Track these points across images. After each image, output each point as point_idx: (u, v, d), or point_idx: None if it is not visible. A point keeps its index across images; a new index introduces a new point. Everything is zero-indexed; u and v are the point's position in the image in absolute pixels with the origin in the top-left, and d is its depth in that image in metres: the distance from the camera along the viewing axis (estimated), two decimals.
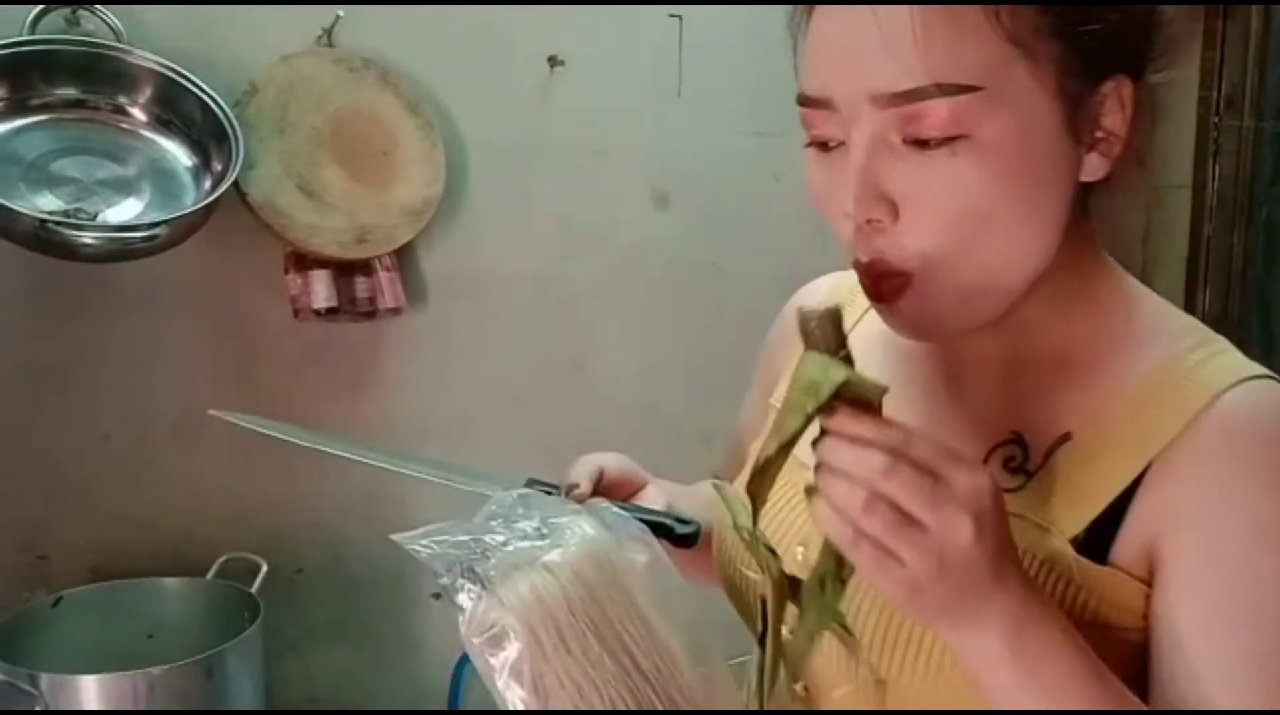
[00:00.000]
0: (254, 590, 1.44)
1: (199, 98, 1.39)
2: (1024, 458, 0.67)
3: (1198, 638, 0.60)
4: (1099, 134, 0.63)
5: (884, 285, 0.64)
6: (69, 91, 1.37)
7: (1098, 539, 0.63)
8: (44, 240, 1.25)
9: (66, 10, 1.36)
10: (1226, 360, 0.65)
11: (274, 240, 1.49)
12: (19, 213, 1.23)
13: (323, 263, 1.52)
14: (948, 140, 0.59)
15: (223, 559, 1.49)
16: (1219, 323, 2.63)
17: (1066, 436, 0.65)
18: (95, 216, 1.31)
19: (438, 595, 1.72)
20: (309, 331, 1.57)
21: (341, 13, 1.51)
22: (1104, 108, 0.62)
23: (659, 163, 1.79)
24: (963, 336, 0.69)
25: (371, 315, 1.58)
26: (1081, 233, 0.67)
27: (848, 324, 0.72)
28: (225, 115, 1.38)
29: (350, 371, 1.64)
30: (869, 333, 0.75)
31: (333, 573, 1.65)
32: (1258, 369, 0.65)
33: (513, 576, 0.67)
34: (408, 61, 1.59)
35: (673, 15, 1.77)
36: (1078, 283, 0.68)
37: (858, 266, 0.65)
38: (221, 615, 1.44)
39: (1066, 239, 0.65)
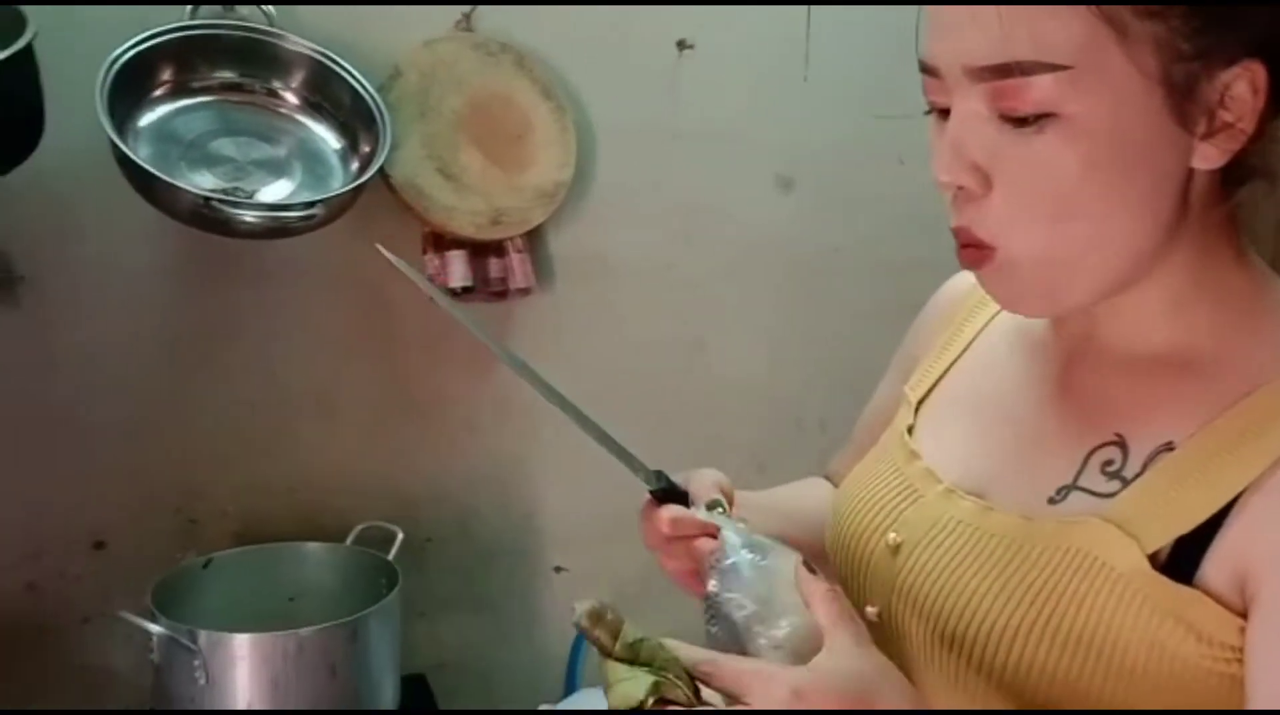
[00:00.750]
0: (390, 557, 1.49)
1: (348, 82, 1.44)
2: (1123, 463, 0.65)
3: (1269, 684, 0.57)
4: (1220, 122, 0.60)
5: (968, 254, 0.65)
6: (226, 75, 1.42)
7: (1183, 558, 0.61)
8: (205, 217, 1.31)
9: None
10: None
11: (413, 220, 1.54)
12: (183, 189, 1.29)
13: (459, 243, 1.56)
14: (1037, 117, 0.59)
15: (361, 526, 1.55)
16: None
17: (1169, 446, 0.63)
18: (252, 195, 1.37)
19: (559, 569, 1.77)
20: (443, 311, 1.60)
21: None
22: (1227, 94, 0.59)
23: (784, 147, 1.79)
24: (1076, 322, 0.70)
25: (503, 295, 1.62)
26: (1209, 223, 0.64)
27: (985, 316, 0.81)
28: (373, 99, 1.43)
29: (480, 349, 1.66)
30: (1002, 326, 0.79)
31: (461, 543, 1.70)
32: None
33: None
34: (542, 46, 1.62)
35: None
36: (1206, 279, 0.65)
37: (953, 232, 0.66)
38: (359, 580, 1.49)
39: (1189, 229, 0.63)
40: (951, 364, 0.83)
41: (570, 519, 1.75)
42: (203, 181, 1.37)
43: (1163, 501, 0.62)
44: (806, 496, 0.94)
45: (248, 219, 1.30)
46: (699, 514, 0.77)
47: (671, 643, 0.63)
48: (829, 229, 1.84)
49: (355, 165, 1.45)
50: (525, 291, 1.63)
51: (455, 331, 1.64)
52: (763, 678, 0.59)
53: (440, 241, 1.56)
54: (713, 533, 0.73)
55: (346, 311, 1.59)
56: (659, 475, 0.81)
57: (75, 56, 1.33)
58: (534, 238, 1.65)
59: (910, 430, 0.81)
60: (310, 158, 1.46)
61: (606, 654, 0.63)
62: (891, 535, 0.74)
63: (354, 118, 1.45)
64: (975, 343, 0.82)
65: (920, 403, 0.83)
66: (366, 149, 1.44)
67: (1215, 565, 0.60)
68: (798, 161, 1.81)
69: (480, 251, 1.59)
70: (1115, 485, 0.65)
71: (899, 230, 1.79)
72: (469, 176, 1.54)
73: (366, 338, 1.61)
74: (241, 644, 1.29)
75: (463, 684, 1.70)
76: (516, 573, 1.74)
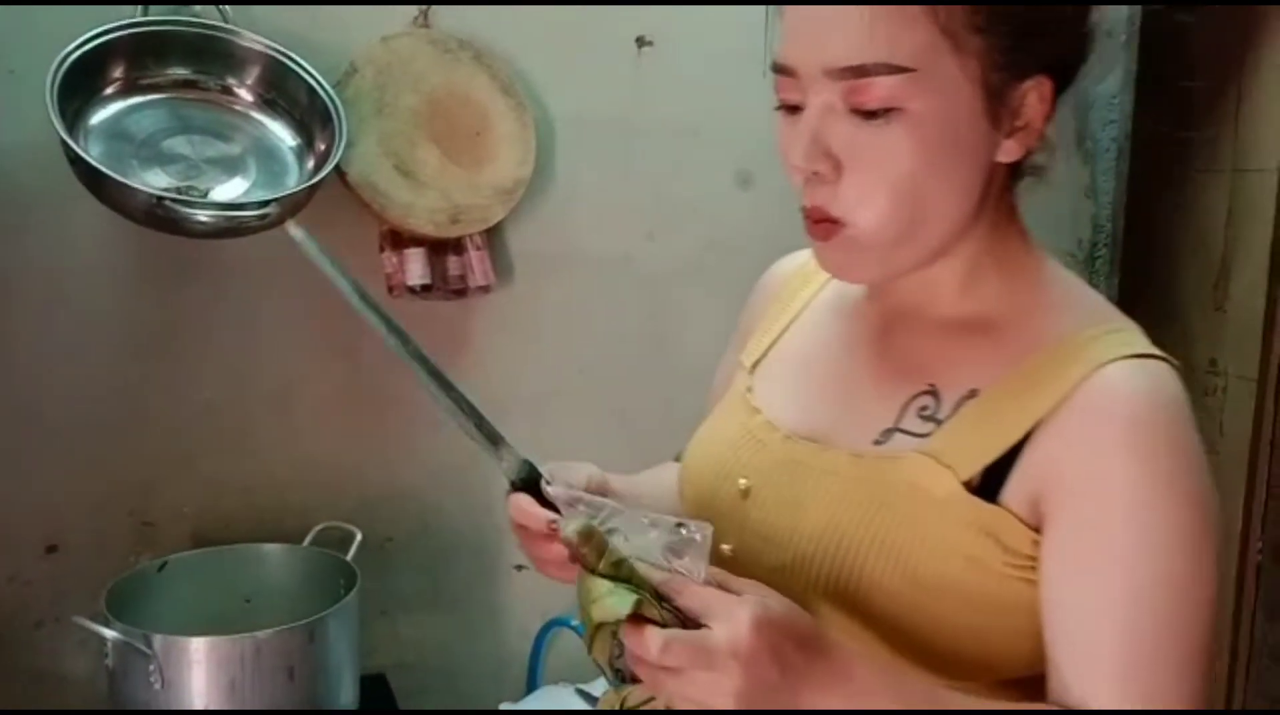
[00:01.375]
0: (349, 558, 1.48)
1: (304, 79, 1.42)
2: (936, 408, 0.77)
3: (1078, 594, 0.70)
4: (1018, 123, 0.73)
5: (818, 229, 0.74)
6: (180, 71, 1.41)
7: (990, 484, 0.73)
8: (158, 217, 1.29)
9: None
10: (1120, 338, 0.74)
11: (370, 218, 1.53)
12: (136, 189, 1.27)
13: (417, 241, 1.55)
14: (885, 111, 0.69)
15: (319, 527, 1.54)
16: None
17: (973, 393, 0.76)
18: (206, 193, 1.35)
19: (520, 566, 1.76)
20: (402, 307, 1.60)
21: None
22: (1024, 101, 0.72)
23: (743, 143, 1.79)
24: (890, 290, 0.82)
25: (462, 292, 1.61)
26: (1002, 209, 0.78)
27: (810, 291, 0.93)
28: (329, 96, 1.42)
29: (440, 346, 1.65)
30: (824, 298, 0.92)
31: (421, 542, 1.70)
32: (1148, 349, 0.74)
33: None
34: (501, 43, 1.61)
35: None
36: (995, 253, 0.79)
37: (803, 211, 0.75)
38: (317, 581, 1.49)
39: (985, 212, 0.76)
40: (781, 333, 0.93)
41: None
42: (156, 180, 1.36)
43: (971, 437, 0.74)
44: (664, 480, 1.00)
45: (201, 218, 1.29)
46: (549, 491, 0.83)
47: (643, 566, 0.67)
48: (789, 225, 1.82)
49: (311, 163, 1.44)
50: (485, 289, 1.62)
51: (412, 328, 1.62)
52: (726, 602, 0.64)
53: (398, 239, 1.55)
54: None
55: (305, 309, 1.58)
56: (525, 465, 0.90)
57: (26, 54, 1.32)
58: (494, 234, 1.64)
59: (749, 390, 0.90)
60: (265, 155, 1.44)
61: (591, 570, 0.66)
62: (741, 480, 0.83)
63: (310, 115, 1.44)
64: (801, 314, 0.93)
65: (755, 367, 0.93)
66: (322, 146, 1.43)
67: (1015, 488, 0.72)
68: (757, 157, 1.81)
69: (439, 249, 1.58)
70: (930, 426, 0.77)
71: None
72: (427, 173, 1.53)
73: (326, 335, 1.60)
74: (197, 647, 1.28)
75: (424, 683, 1.70)
76: (478, 571, 1.74)
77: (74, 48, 1.30)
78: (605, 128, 1.71)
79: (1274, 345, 2.66)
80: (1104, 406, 0.71)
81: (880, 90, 0.69)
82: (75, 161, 1.26)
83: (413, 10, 1.54)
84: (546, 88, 1.66)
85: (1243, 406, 2.74)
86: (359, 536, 1.52)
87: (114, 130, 1.36)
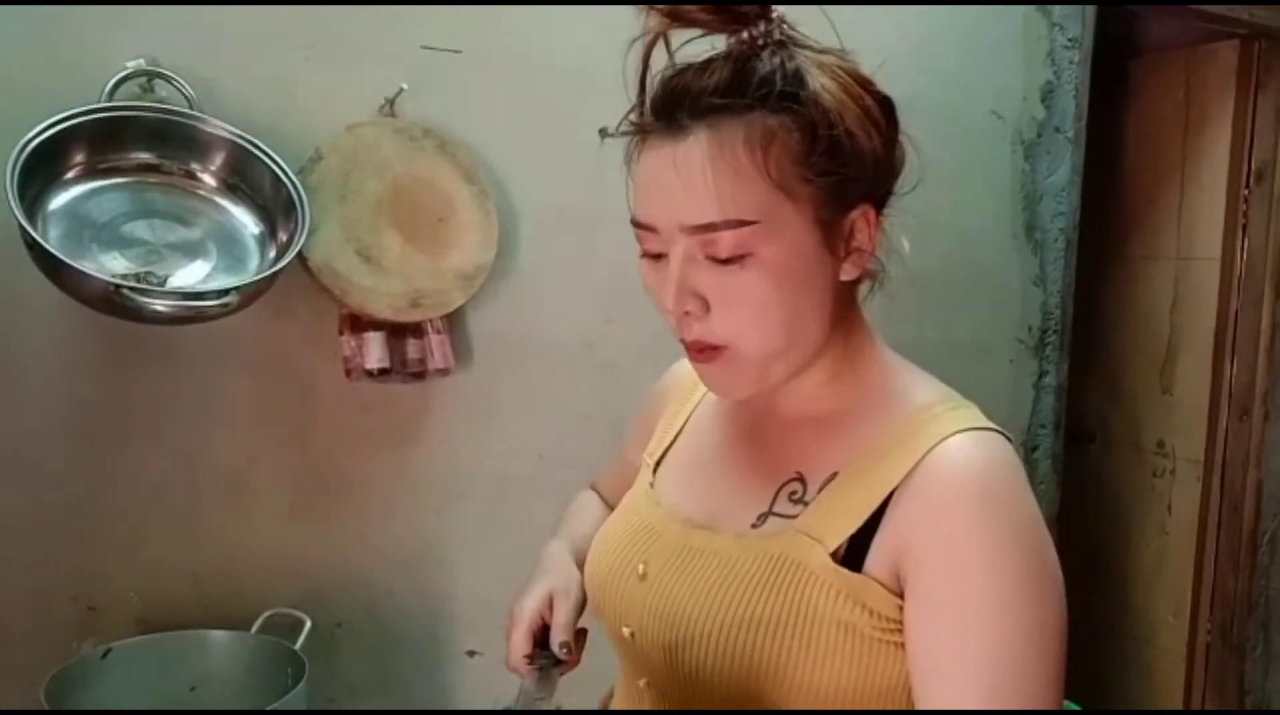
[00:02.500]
0: (298, 646, 1.46)
1: (268, 165, 1.43)
2: (804, 491, 0.86)
3: (939, 655, 0.77)
4: (852, 246, 0.84)
5: (701, 356, 0.84)
6: (143, 156, 1.40)
7: (855, 554, 0.81)
8: (115, 304, 1.28)
9: (143, 78, 1.41)
10: (959, 415, 0.84)
11: (330, 302, 1.53)
12: (92, 277, 1.27)
13: (377, 325, 1.55)
14: (738, 257, 0.79)
15: (267, 614, 1.51)
16: (1246, 394, 2.66)
17: (834, 475, 0.85)
18: (165, 280, 1.35)
19: (473, 653, 1.74)
20: (360, 391, 1.60)
21: (405, 84, 1.55)
22: (854, 228, 0.83)
23: None
24: (763, 397, 0.90)
25: (421, 375, 1.61)
26: (850, 319, 0.89)
27: (700, 394, 1.04)
28: (292, 184, 1.42)
29: (397, 431, 1.67)
30: (709, 401, 1.02)
31: (371, 628, 1.67)
32: (985, 423, 0.84)
33: None
34: (465, 132, 1.63)
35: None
36: (847, 358, 0.89)
37: (682, 343, 0.85)
38: (265, 669, 1.46)
39: (837, 324, 0.87)
40: (678, 433, 1.03)
41: (485, 602, 1.73)
42: (114, 264, 1.35)
43: (835, 512, 0.83)
44: (593, 514, 1.15)
45: (158, 307, 1.28)
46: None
47: None
48: None
49: (273, 249, 1.44)
50: (444, 372, 1.63)
51: (370, 411, 1.63)
52: None
53: (358, 323, 1.55)
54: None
55: (261, 393, 1.57)
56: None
57: None
58: (454, 319, 1.65)
59: (652, 486, 1.00)
60: (227, 240, 1.44)
61: None
62: (640, 566, 0.92)
63: (273, 201, 1.45)
64: (693, 415, 1.04)
65: (657, 465, 1.02)
66: (284, 233, 1.43)
67: (876, 556, 0.80)
68: None
69: (399, 333, 1.59)
70: (799, 508, 0.86)
71: None
72: (388, 259, 1.54)
73: (281, 419, 1.58)
74: None
75: None
76: (428, 658, 1.72)
77: (36, 132, 1.29)
78: (567, 216, 1.74)
79: (1219, 428, 2.73)
80: (946, 475, 0.79)
81: (730, 241, 0.78)
82: (32, 246, 1.26)
83: (378, 99, 1.56)
84: (509, 176, 1.69)
85: (1190, 488, 2.80)
86: (308, 624, 1.49)
87: (74, 213, 1.36)
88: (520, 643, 0.94)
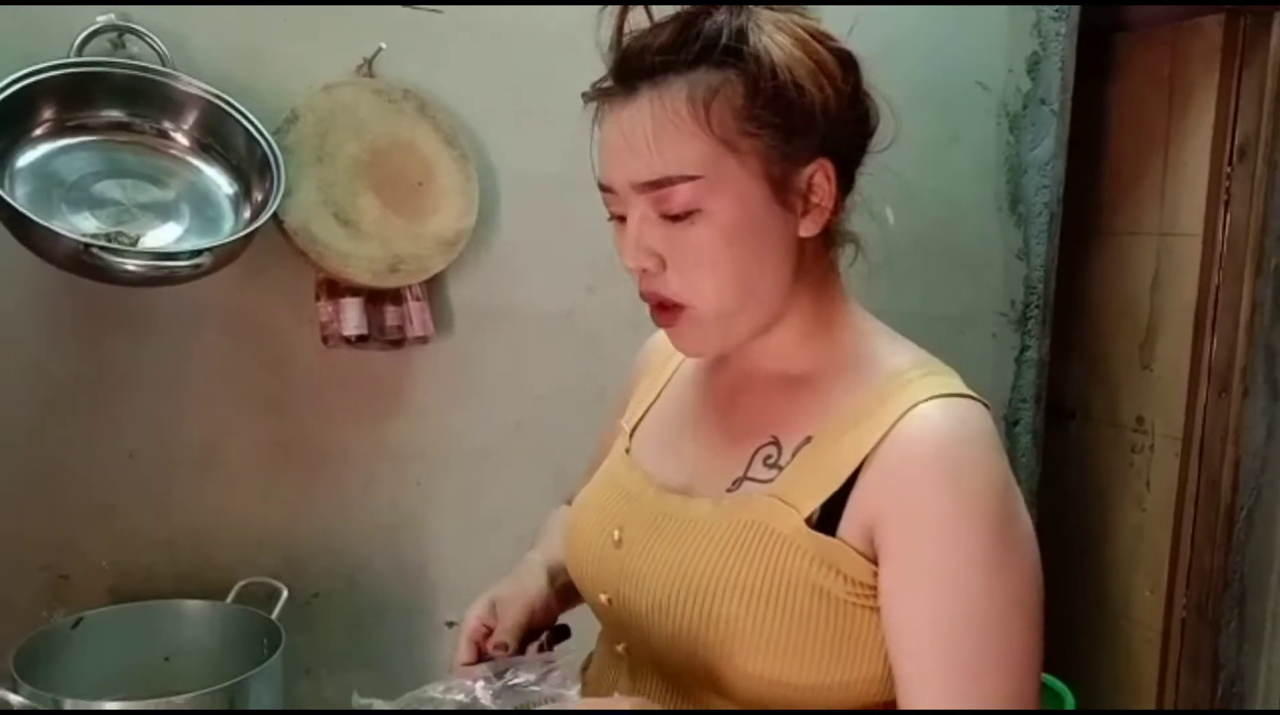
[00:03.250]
0: (274, 616, 1.44)
1: (242, 125, 1.40)
2: (778, 455, 0.86)
3: (913, 618, 0.79)
4: (812, 202, 0.83)
5: (662, 314, 0.86)
6: (114, 114, 1.37)
7: (828, 519, 0.81)
8: (85, 264, 1.25)
9: (113, 34, 1.37)
10: (934, 381, 0.84)
11: (306, 267, 1.50)
12: (61, 235, 1.23)
13: (354, 290, 1.53)
14: (687, 214, 0.80)
15: (242, 583, 1.49)
16: (1225, 371, 2.67)
17: (808, 439, 0.85)
18: (136, 240, 1.32)
19: (451, 623, 1.73)
20: (337, 358, 1.57)
21: (384, 44, 1.52)
22: (811, 183, 0.83)
23: None
24: (734, 358, 0.92)
25: (399, 343, 1.59)
26: (825, 280, 0.89)
27: (676, 362, 1.04)
28: (268, 144, 1.39)
29: (376, 398, 1.64)
30: (685, 367, 1.03)
31: (348, 599, 1.65)
32: (959, 389, 0.84)
33: None
34: (446, 94, 1.60)
35: None
36: (819, 318, 0.89)
37: (646, 300, 0.86)
38: (240, 639, 1.44)
39: (805, 280, 0.86)
40: (655, 399, 1.04)
41: (464, 573, 1.71)
42: (84, 224, 1.32)
43: (809, 478, 0.83)
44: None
45: (130, 267, 1.25)
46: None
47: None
48: None
49: (248, 211, 1.41)
50: (423, 340, 1.60)
51: (347, 379, 1.61)
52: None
53: (335, 288, 1.52)
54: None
55: (236, 359, 1.54)
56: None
57: None
58: (434, 285, 1.62)
59: (628, 451, 1.00)
60: (200, 201, 1.41)
61: None
62: (615, 532, 0.92)
63: (248, 162, 1.41)
64: (671, 381, 1.04)
65: (634, 431, 1.03)
66: (260, 194, 1.40)
67: (849, 522, 0.81)
68: None
69: (376, 299, 1.56)
70: (773, 472, 0.86)
71: None
72: (366, 223, 1.51)
73: (256, 386, 1.56)
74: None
75: None
76: (407, 628, 1.70)
77: (1, 87, 1.26)
78: (549, 181, 1.70)
79: (1198, 405, 2.74)
80: (917, 441, 0.80)
81: (679, 197, 0.80)
82: None
83: (356, 59, 1.52)
84: (492, 140, 1.65)
85: (1168, 464, 2.80)
86: (285, 593, 1.47)
87: (42, 172, 1.32)
88: (461, 650, 0.95)
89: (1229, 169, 2.63)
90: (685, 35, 0.80)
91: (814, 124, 0.81)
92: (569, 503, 1.16)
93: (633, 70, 0.82)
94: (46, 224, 1.22)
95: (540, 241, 1.72)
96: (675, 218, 0.81)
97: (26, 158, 1.31)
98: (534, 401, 1.76)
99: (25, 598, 1.45)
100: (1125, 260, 2.86)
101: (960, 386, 0.84)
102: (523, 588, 0.98)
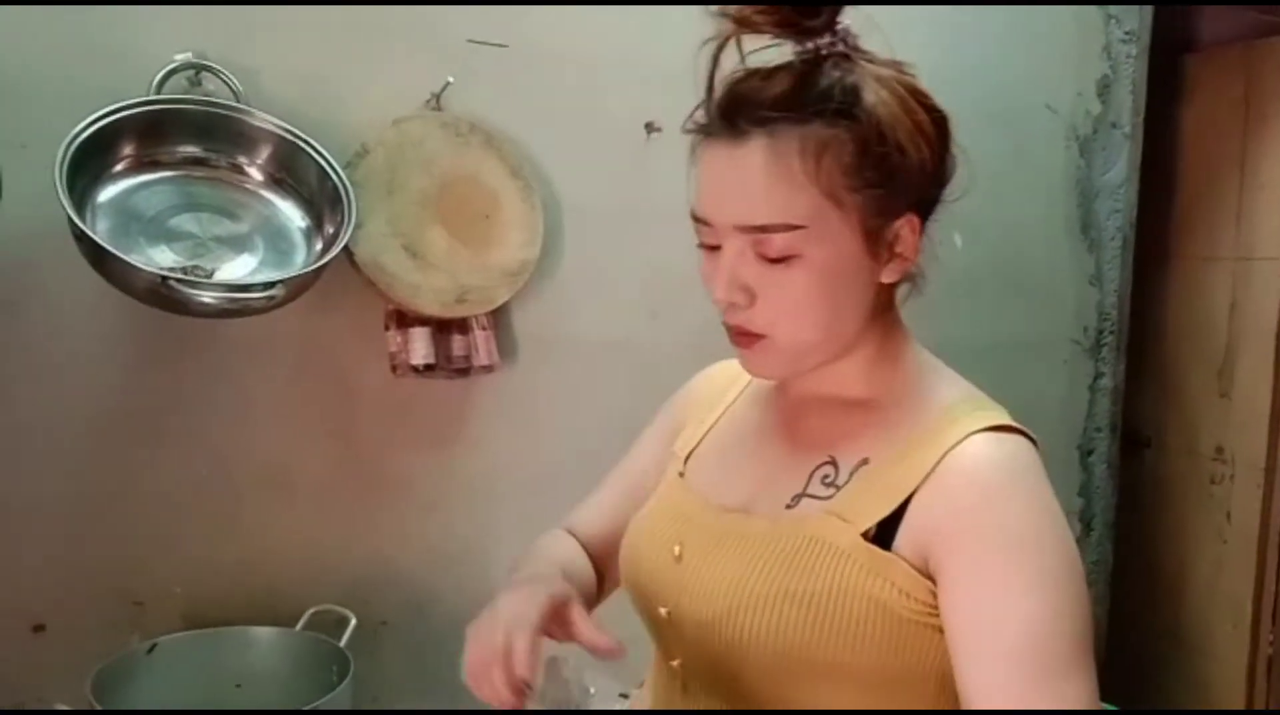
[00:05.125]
0: (343, 644, 1.45)
1: (314, 159, 1.42)
2: (836, 475, 0.91)
3: (976, 631, 0.82)
4: (896, 252, 0.88)
5: (743, 340, 0.90)
6: (190, 149, 1.40)
7: (884, 536, 0.85)
8: (162, 296, 1.28)
9: (190, 72, 1.41)
10: (984, 415, 0.89)
11: (376, 297, 1.52)
12: (140, 269, 1.26)
13: (422, 321, 1.54)
14: (785, 258, 0.84)
15: (312, 610, 1.51)
16: None
17: (865, 461, 0.90)
18: (212, 273, 1.35)
19: None
20: (404, 387, 1.59)
21: (451, 78, 1.54)
22: (898, 236, 0.88)
23: None
24: (798, 382, 0.96)
25: (465, 372, 1.60)
26: (888, 316, 0.94)
27: (735, 392, 1.09)
28: (339, 178, 1.42)
29: (442, 427, 1.65)
30: (745, 395, 1.07)
31: (416, 626, 1.66)
32: (1001, 421, 0.88)
33: None
34: (511, 126, 1.62)
35: None
36: (883, 352, 0.94)
37: (727, 326, 0.90)
38: (310, 667, 1.45)
39: (875, 319, 0.92)
40: (711, 427, 1.07)
41: None
42: (162, 258, 1.35)
43: (865, 497, 0.87)
44: (569, 557, 1.12)
45: (205, 299, 1.28)
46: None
47: None
48: None
49: (319, 243, 1.44)
50: (489, 368, 1.61)
51: (414, 407, 1.62)
52: None
53: (403, 318, 1.54)
54: None
55: (304, 388, 1.56)
56: None
57: (38, 130, 1.31)
58: (499, 315, 1.63)
59: (682, 475, 1.04)
60: (274, 234, 1.44)
61: None
62: (675, 548, 0.95)
63: (319, 195, 1.44)
64: (728, 411, 1.08)
65: (688, 457, 1.06)
66: (331, 228, 1.42)
67: (904, 538, 0.85)
68: None
69: (444, 328, 1.58)
70: (831, 491, 0.90)
71: None
72: (434, 254, 1.53)
73: (324, 415, 1.58)
74: None
75: None
76: None
77: (85, 125, 1.29)
78: (612, 211, 1.72)
79: None
80: (971, 468, 0.85)
81: (779, 243, 0.84)
82: (80, 238, 1.26)
83: (425, 93, 1.55)
84: (555, 171, 1.67)
85: (1250, 495, 2.71)
86: (353, 621, 1.48)
87: (122, 207, 1.36)
88: (501, 689, 0.85)
89: None
90: (800, 88, 0.83)
91: (910, 183, 0.86)
92: (569, 531, 1.20)
93: (745, 115, 0.84)
94: (126, 258, 1.25)
95: (602, 271, 1.72)
96: (772, 260, 0.85)
97: (107, 193, 1.35)
98: (596, 429, 1.75)
99: (101, 623, 1.47)
100: (1201, 285, 2.79)
101: (1008, 420, 0.89)
102: (531, 598, 0.88)
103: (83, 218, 1.27)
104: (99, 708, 1.24)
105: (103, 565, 1.48)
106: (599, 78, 1.68)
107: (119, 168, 1.37)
